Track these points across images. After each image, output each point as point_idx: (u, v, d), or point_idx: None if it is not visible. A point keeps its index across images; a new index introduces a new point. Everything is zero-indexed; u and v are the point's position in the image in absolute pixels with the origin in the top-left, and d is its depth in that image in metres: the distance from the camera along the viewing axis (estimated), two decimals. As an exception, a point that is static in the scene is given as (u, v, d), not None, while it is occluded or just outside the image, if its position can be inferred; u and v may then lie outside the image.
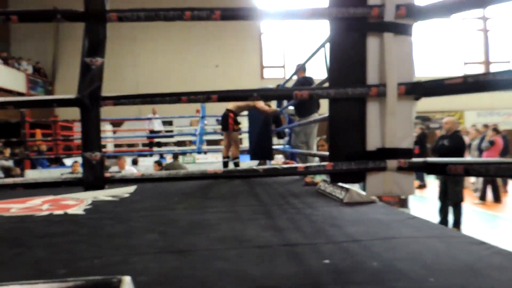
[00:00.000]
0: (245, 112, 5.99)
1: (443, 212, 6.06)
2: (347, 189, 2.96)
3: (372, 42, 1.38)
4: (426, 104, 13.63)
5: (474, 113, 18.33)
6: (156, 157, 11.05)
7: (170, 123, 15.93)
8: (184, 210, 2.85)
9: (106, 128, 14.56)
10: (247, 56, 17.57)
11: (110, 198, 3.71)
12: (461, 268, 1.40)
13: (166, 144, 14.41)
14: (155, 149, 12.02)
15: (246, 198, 3.38)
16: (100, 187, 1.29)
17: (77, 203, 3.51)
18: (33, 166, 10.36)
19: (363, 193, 2.94)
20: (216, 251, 1.74)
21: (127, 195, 3.84)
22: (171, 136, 13.42)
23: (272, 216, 2.49)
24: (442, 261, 1.48)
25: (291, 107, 5.60)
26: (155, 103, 1.31)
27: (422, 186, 11.07)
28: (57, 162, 10.90)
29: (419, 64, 17.28)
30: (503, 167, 1.18)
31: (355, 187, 3.00)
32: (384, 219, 2.27)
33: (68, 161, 11.30)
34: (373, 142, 1.37)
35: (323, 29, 17.09)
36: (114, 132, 15.18)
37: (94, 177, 1.30)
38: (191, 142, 12.93)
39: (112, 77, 17.11)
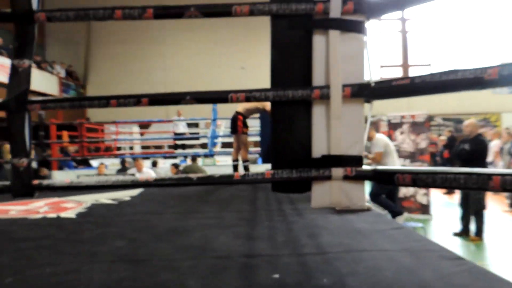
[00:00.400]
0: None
1: (465, 220, 5.76)
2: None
3: (318, 40, 1.28)
4: (460, 105, 13.17)
5: (512, 116, 17.52)
6: (179, 159, 11.14)
7: (196, 125, 16.06)
8: (172, 215, 2.80)
9: (134, 130, 14.85)
10: (273, 58, 17.46)
11: (110, 201, 3.71)
12: (415, 286, 1.28)
13: (192, 146, 14.53)
14: (178, 151, 12.11)
15: (241, 204, 3.29)
16: (28, 194, 1.24)
17: (75, 205, 3.53)
18: (61, 167, 10.66)
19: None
20: (171, 261, 1.68)
21: (128, 199, 3.84)
22: (197, 138, 13.50)
23: (254, 224, 2.40)
24: (399, 278, 1.36)
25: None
26: (83, 107, 1.26)
27: (452, 191, 10.64)
28: (84, 163, 11.17)
29: (459, 64, 16.73)
30: (449, 178, 1.06)
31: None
32: (367, 229, 2.14)
33: (95, 163, 11.56)
34: (318, 149, 1.27)
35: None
36: (142, 134, 15.43)
37: (21, 184, 1.25)
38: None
39: (142, 80, 17.46)
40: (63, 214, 3.09)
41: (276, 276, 1.42)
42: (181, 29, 17.15)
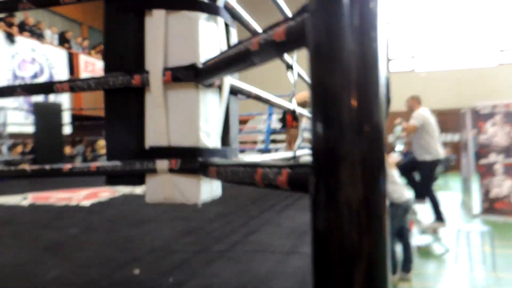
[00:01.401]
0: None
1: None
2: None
3: (148, 22, 1.18)
4: None
5: None
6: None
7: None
8: (162, 207, 2.84)
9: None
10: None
11: (139, 192, 3.90)
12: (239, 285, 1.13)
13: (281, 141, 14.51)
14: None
15: (243, 200, 3.18)
16: None
17: (109, 194, 3.78)
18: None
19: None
20: (80, 251, 1.73)
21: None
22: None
23: (219, 219, 2.34)
24: (235, 279, 1.21)
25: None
26: None
27: None
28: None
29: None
30: (234, 170, 0.91)
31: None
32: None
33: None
34: (149, 140, 1.18)
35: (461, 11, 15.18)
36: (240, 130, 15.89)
37: None
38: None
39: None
40: (83, 203, 3.33)
41: (137, 272, 1.36)
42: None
